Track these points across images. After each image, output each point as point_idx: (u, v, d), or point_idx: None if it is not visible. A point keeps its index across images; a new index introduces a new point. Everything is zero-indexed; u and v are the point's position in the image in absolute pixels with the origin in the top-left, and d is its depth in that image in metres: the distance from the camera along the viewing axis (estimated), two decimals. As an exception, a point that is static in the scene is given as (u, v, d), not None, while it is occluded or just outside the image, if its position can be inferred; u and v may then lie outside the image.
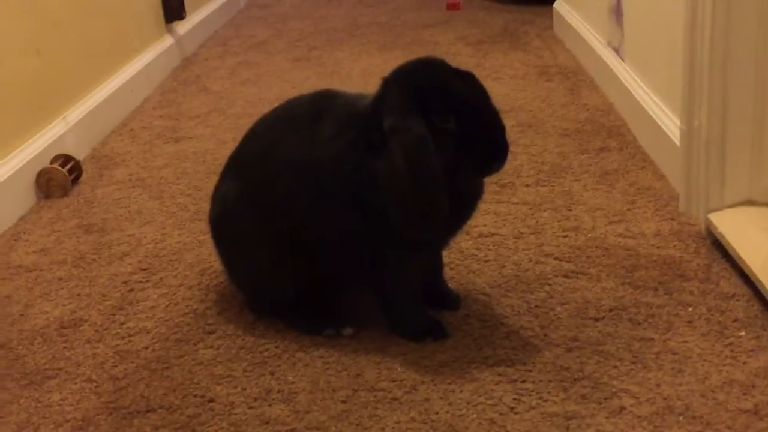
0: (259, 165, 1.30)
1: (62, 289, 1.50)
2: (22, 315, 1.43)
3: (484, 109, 1.20)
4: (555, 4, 3.10)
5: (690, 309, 1.31)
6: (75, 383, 1.23)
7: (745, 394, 1.11)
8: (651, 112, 1.89)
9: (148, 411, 1.16)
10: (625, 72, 2.16)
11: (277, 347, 1.29)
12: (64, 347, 1.32)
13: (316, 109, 1.29)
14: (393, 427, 1.10)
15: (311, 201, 1.25)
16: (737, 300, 1.32)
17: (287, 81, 2.73)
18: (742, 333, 1.24)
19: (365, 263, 1.27)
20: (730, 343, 1.22)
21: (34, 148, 1.93)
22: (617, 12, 2.23)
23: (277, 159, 1.27)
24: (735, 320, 1.27)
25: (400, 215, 1.19)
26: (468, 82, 1.20)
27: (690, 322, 1.28)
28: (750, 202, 1.52)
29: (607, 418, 1.09)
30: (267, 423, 1.12)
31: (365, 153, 1.21)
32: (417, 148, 1.16)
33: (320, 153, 1.25)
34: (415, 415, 1.12)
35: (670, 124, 1.76)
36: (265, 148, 1.30)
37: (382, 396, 1.16)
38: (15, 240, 1.71)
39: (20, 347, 1.33)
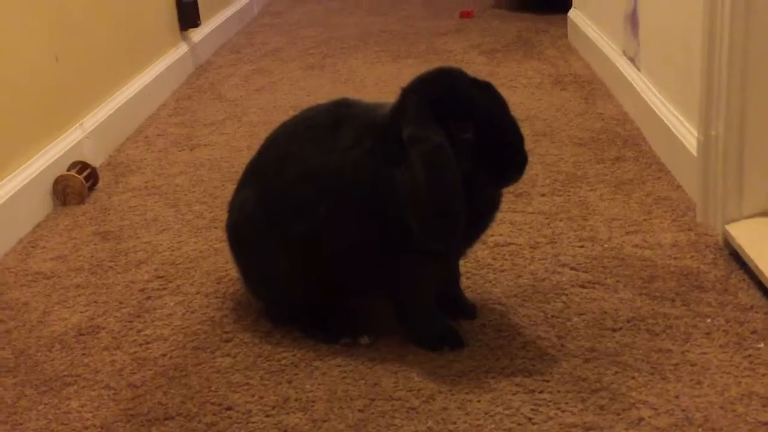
0: (276, 173, 1.30)
1: (80, 296, 1.51)
2: (40, 322, 1.43)
3: (502, 119, 1.20)
4: (569, 13, 3.10)
5: (708, 320, 1.30)
6: (93, 390, 1.24)
7: (764, 407, 1.11)
8: (667, 122, 1.88)
9: (166, 418, 1.16)
10: (640, 81, 2.16)
11: (294, 356, 1.29)
12: (83, 354, 1.33)
13: (334, 118, 1.30)
14: (411, 437, 1.10)
15: (329, 210, 1.25)
16: (756, 312, 1.32)
17: (301, 89, 2.73)
18: (761, 345, 1.23)
19: (382, 272, 1.27)
20: (749, 355, 1.21)
21: (51, 155, 1.94)
22: (633, 21, 2.23)
23: (295, 167, 1.28)
24: (753, 332, 1.27)
25: (419, 225, 1.19)
26: (486, 91, 1.21)
27: (708, 333, 1.27)
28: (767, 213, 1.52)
29: (625, 429, 1.08)
30: (284, 431, 1.12)
31: (384, 162, 1.22)
32: (436, 157, 1.16)
33: (338, 162, 1.25)
34: (432, 424, 1.12)
35: (687, 134, 1.76)
36: (283, 156, 1.31)
37: (400, 405, 1.16)
38: (32, 247, 1.72)
39: (39, 354, 1.34)
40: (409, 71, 1.25)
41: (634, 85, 2.18)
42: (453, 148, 1.17)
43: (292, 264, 1.29)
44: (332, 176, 1.25)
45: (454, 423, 1.12)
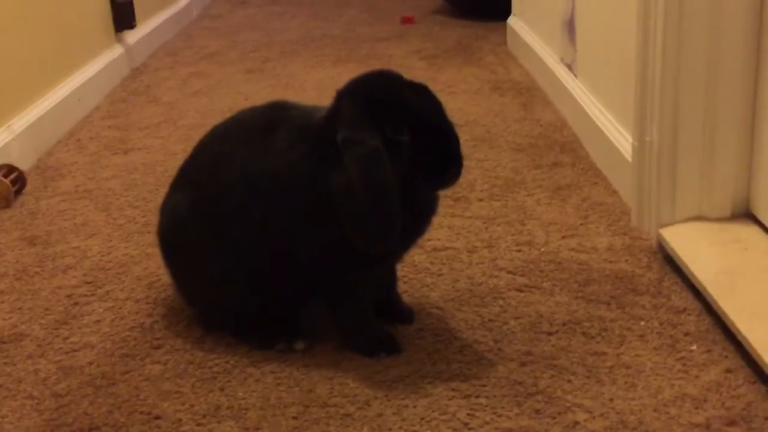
0: (210, 177, 1.27)
1: (3, 302, 1.45)
2: (-40, 329, 1.37)
3: (438, 122, 1.19)
4: (509, 20, 3.13)
5: (642, 323, 1.31)
6: (15, 400, 1.18)
7: (697, 408, 1.11)
8: (603, 128, 1.90)
9: (92, 429, 1.12)
10: (577, 88, 2.18)
11: (227, 362, 1.26)
12: (4, 363, 1.28)
13: (270, 121, 1.27)
14: (345, 444, 1.08)
15: (263, 214, 1.23)
16: (688, 314, 1.33)
17: (240, 92, 2.70)
18: (694, 347, 1.25)
19: (317, 277, 1.25)
20: (682, 357, 1.22)
21: (-23, 157, 1.87)
22: (570, 28, 2.25)
23: (229, 171, 1.25)
24: (686, 334, 1.28)
25: (354, 229, 1.17)
26: (422, 94, 1.20)
27: (642, 336, 1.28)
28: (700, 218, 1.54)
29: (561, 433, 1.08)
30: (215, 441, 1.09)
31: (319, 166, 1.20)
32: (371, 161, 1.15)
33: (273, 165, 1.22)
34: (367, 431, 1.10)
35: (622, 140, 1.78)
36: (217, 159, 1.28)
37: (335, 412, 1.14)
38: (-46, 252, 1.65)
39: (-43, 363, 1.28)
40: (349, 75, 1.23)
41: (571, 91, 2.20)
42: (388, 151, 1.15)
43: (226, 269, 1.26)
44: (267, 180, 1.23)
45: (390, 429, 1.10)
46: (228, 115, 1.35)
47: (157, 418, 1.14)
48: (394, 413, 1.13)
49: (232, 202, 1.24)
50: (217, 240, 1.25)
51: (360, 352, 1.26)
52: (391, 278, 1.37)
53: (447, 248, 1.59)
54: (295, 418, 1.13)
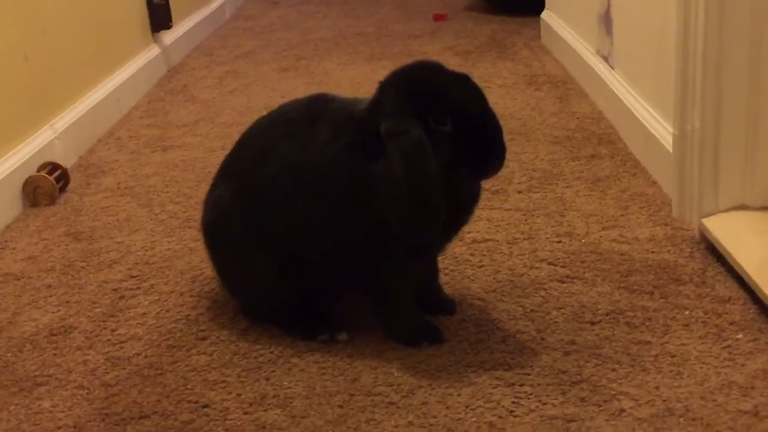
0: (253, 169, 1.28)
1: (51, 296, 1.48)
2: (10, 323, 1.40)
3: (480, 111, 1.19)
4: (543, 15, 3.12)
5: (686, 312, 1.31)
6: (66, 390, 1.21)
7: (744, 396, 1.11)
8: (642, 119, 1.89)
9: (141, 417, 1.14)
10: (614, 80, 2.17)
11: (271, 353, 1.27)
12: (54, 354, 1.30)
13: (312, 113, 1.28)
14: (391, 431, 1.08)
15: (306, 206, 1.24)
16: (733, 303, 1.32)
17: (275, 90, 2.71)
18: (740, 335, 1.24)
19: (360, 268, 1.26)
20: (728, 346, 1.21)
21: (21, 156, 1.91)
22: (606, 20, 2.24)
23: (272, 163, 1.26)
24: (732, 323, 1.27)
25: (398, 220, 1.18)
26: (464, 84, 1.20)
27: (687, 325, 1.27)
28: (743, 207, 1.52)
29: (606, 420, 1.08)
30: (263, 428, 1.10)
31: (361, 157, 1.20)
32: (414, 151, 1.15)
33: (316, 157, 1.23)
34: (413, 419, 1.10)
35: (662, 131, 1.77)
36: (260, 152, 1.29)
37: (379, 400, 1.14)
38: (2, 248, 1.69)
39: (9, 354, 1.31)
40: (383, 72, 1.24)
41: (608, 83, 2.18)
42: (431, 141, 1.16)
43: (270, 261, 1.27)
44: (310, 172, 1.23)
45: (435, 417, 1.10)
46: (264, 112, 1.37)
47: (205, 406, 1.15)
48: (439, 401, 1.13)
49: (274, 194, 1.25)
50: (260, 232, 1.27)
51: (403, 342, 1.27)
52: (434, 269, 1.37)
53: (487, 240, 1.59)
54: (340, 406, 1.14)
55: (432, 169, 1.15)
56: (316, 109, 1.29)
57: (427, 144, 1.15)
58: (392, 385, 1.18)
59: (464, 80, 1.20)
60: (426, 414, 1.11)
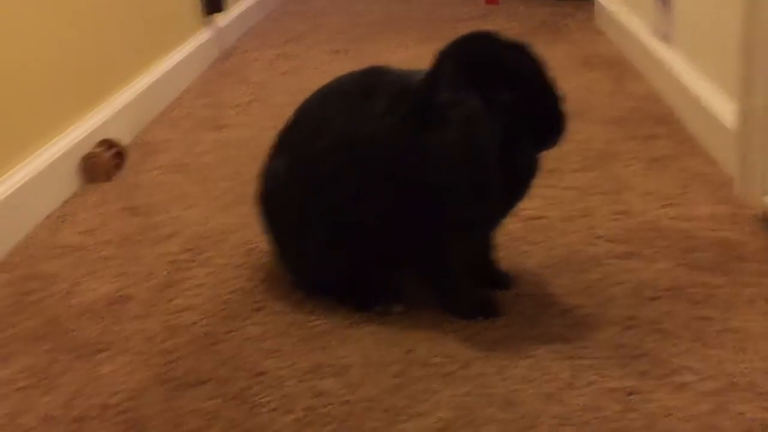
0: (309, 141, 1.28)
1: (109, 267, 1.50)
2: (69, 292, 1.42)
3: (539, 80, 1.17)
4: (596, -3, 3.07)
5: (750, 289, 1.27)
6: (125, 356, 1.22)
7: (811, 373, 1.08)
8: (701, 98, 1.85)
9: (199, 383, 1.14)
10: (672, 59, 2.12)
11: (326, 323, 1.27)
12: (113, 322, 1.32)
13: (367, 85, 1.28)
14: (448, 401, 1.07)
15: (362, 178, 1.23)
16: (798, 281, 1.29)
17: (327, 72, 2.70)
18: (806, 313, 1.20)
19: (416, 241, 1.25)
20: (794, 323, 1.18)
21: (79, 133, 1.93)
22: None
23: (328, 135, 1.26)
24: (797, 300, 1.24)
25: (454, 192, 1.17)
26: (523, 53, 1.18)
27: (751, 301, 1.24)
28: (809, 184, 1.48)
29: (669, 393, 1.06)
30: (320, 395, 1.10)
31: (418, 129, 1.19)
32: (471, 122, 1.14)
33: (371, 129, 1.23)
34: (470, 389, 1.09)
35: (722, 109, 1.73)
36: (316, 124, 1.29)
37: (435, 371, 1.14)
38: (61, 222, 1.71)
39: (69, 322, 1.33)
40: (433, 55, 1.23)
41: (666, 62, 2.14)
42: (489, 111, 1.14)
43: (325, 233, 1.27)
44: (366, 144, 1.23)
45: (493, 388, 1.09)
46: None
47: (261, 374, 1.16)
48: (496, 373, 1.12)
49: (330, 166, 1.25)
50: (315, 204, 1.27)
51: (459, 315, 1.26)
52: (489, 244, 1.36)
53: (542, 217, 1.57)
54: (396, 376, 1.13)
55: (490, 140, 1.14)
56: (371, 82, 1.28)
57: (485, 115, 1.14)
58: (448, 357, 1.17)
59: (523, 49, 1.18)
60: (484, 385, 1.10)
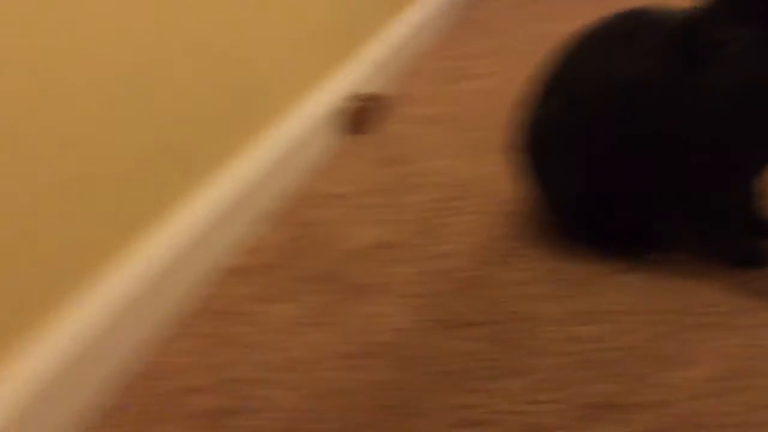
0: (572, 86, 1.26)
1: (371, 215, 1.58)
2: (336, 238, 1.52)
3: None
4: None
5: None
6: (386, 297, 1.29)
7: None
8: None
9: (467, 324, 1.19)
10: None
11: (587, 270, 1.26)
12: (379, 265, 1.39)
13: (631, 27, 1.23)
14: (717, 351, 1.04)
15: (629, 122, 1.20)
16: None
17: (578, 17, 2.65)
18: None
19: (689, 188, 1.20)
20: None
21: (335, 87, 2.04)
22: None
23: (592, 79, 1.23)
24: None
25: (731, 135, 1.11)
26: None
27: None
28: None
29: None
30: (582, 340, 1.10)
31: (687, 69, 1.14)
32: (747, 59, 1.07)
33: (639, 70, 1.19)
34: (740, 340, 1.05)
35: None
36: (579, 68, 1.26)
37: (705, 320, 1.10)
38: (324, 173, 1.82)
39: (336, 266, 1.42)
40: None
41: None
42: (765, 47, 1.07)
43: (589, 180, 1.26)
44: (633, 85, 1.19)
45: (764, 339, 1.04)
46: (565, 40, 1.34)
47: (522, 318, 1.18)
48: (766, 325, 1.07)
49: (596, 110, 1.23)
50: (580, 150, 1.25)
51: (730, 264, 1.21)
52: (755, 191, 1.28)
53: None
54: (663, 323, 1.11)
55: (767, 77, 1.07)
56: (636, 22, 1.24)
57: (764, 51, 1.07)
58: (717, 306, 1.12)
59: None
60: (759, 336, 1.05)
